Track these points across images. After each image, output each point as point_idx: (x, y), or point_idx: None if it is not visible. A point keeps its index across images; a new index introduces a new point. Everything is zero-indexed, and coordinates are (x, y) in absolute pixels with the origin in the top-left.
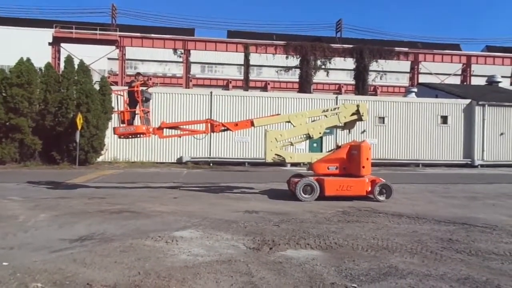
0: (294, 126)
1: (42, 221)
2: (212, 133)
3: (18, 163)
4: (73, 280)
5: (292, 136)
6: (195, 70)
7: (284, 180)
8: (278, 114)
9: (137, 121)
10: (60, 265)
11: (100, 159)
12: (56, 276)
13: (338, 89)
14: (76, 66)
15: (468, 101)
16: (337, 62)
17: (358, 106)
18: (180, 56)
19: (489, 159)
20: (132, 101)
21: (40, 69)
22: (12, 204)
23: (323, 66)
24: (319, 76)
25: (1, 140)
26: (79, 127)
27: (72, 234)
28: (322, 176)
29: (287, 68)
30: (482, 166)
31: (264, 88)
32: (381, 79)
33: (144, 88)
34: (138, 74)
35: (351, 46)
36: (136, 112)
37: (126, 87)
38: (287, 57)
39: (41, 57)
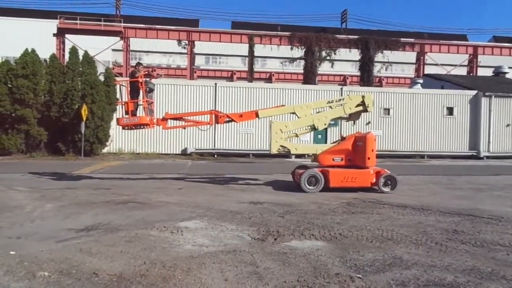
0: (299, 117)
1: (48, 211)
2: (216, 125)
3: (24, 154)
4: (79, 269)
5: (297, 127)
6: (199, 61)
7: (289, 171)
8: (282, 105)
9: (141, 112)
10: (67, 255)
11: (105, 150)
12: (62, 265)
13: (343, 81)
14: (80, 57)
15: (474, 92)
16: (342, 53)
17: (363, 97)
18: (185, 47)
19: (495, 150)
20: (134, 92)
21: (45, 60)
22: (18, 195)
23: (328, 57)
24: (324, 67)
25: (7, 131)
26: (84, 118)
27: (78, 224)
28: (327, 167)
29: (292, 59)
30: (487, 157)
31: (268, 80)
32: (386, 70)
33: (147, 79)
34: (139, 64)
35: (356, 37)
36: (140, 103)
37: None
38: (291, 48)
39: (46, 48)
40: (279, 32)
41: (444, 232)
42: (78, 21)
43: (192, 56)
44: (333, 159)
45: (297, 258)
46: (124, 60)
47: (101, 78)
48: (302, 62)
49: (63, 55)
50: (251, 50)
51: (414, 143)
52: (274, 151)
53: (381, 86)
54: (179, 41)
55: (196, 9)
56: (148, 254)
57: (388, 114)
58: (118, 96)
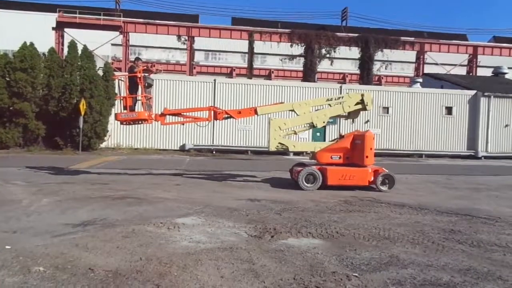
0: (298, 114)
1: (45, 206)
2: (215, 121)
3: (21, 148)
4: (75, 265)
5: (296, 124)
6: (198, 57)
7: (287, 169)
8: (281, 103)
9: (139, 107)
10: (63, 250)
11: (103, 145)
12: (58, 260)
13: (343, 79)
14: (79, 52)
15: (473, 92)
16: (342, 51)
17: (362, 95)
18: (184, 43)
19: (493, 150)
20: (133, 87)
21: (44, 54)
22: (15, 189)
23: (327, 55)
24: (324, 65)
25: (5, 125)
26: (82, 113)
27: (75, 219)
28: (325, 165)
29: (292, 57)
30: (485, 157)
31: (268, 77)
32: (386, 69)
33: (146, 74)
34: (138, 59)
35: (356, 35)
36: (138, 98)
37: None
38: (291, 46)
39: (44, 42)
40: (279, 29)
41: (441, 231)
42: (77, 15)
43: (191, 52)
44: (331, 157)
45: (293, 255)
46: (123, 55)
47: (100, 72)
48: (302, 60)
49: (62, 49)
50: (250, 47)
51: (412, 142)
52: (272, 148)
53: (380, 84)
54: (179, 37)
55: (196, 5)
56: (145, 250)
57: (387, 112)
58: (116, 91)
